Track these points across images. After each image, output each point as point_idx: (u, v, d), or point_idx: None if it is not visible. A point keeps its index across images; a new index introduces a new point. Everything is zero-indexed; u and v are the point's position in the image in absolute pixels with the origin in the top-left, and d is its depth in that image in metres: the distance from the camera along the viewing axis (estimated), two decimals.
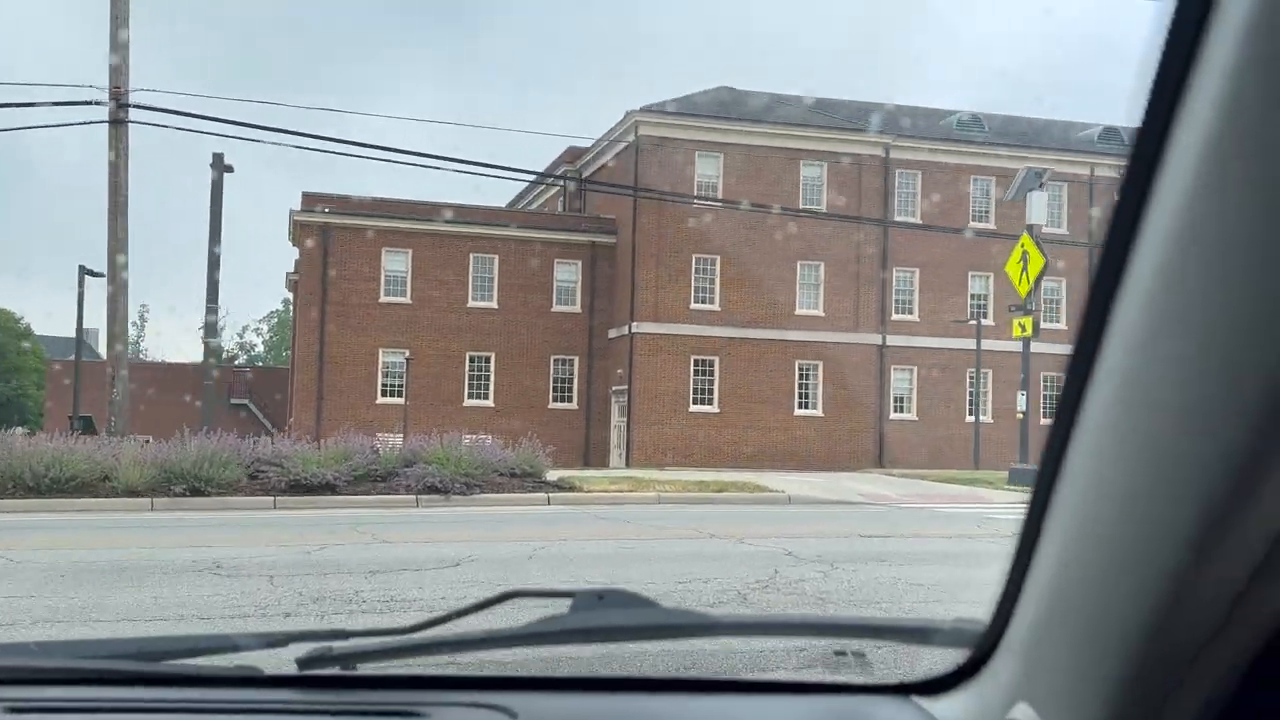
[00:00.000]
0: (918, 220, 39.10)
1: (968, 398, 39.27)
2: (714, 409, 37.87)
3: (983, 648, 1.23)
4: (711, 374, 38.02)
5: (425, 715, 1.42)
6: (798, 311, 38.79)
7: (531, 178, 42.24)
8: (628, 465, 35.34)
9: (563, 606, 1.47)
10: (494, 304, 39.56)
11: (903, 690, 1.43)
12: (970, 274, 39.48)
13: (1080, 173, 39.79)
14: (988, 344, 35.80)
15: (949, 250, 39.13)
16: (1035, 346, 38.24)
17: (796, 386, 38.67)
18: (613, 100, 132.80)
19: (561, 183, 44.04)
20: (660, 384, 37.47)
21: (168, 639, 1.72)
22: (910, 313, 39.69)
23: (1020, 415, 23.83)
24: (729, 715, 1.47)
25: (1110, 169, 38.50)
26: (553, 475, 18.50)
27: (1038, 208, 23.79)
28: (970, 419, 37.97)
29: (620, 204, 38.66)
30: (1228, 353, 0.76)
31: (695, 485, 19.18)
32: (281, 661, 1.55)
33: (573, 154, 43.21)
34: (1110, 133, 40.17)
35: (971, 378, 37.85)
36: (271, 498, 16.14)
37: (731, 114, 38.59)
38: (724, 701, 1.52)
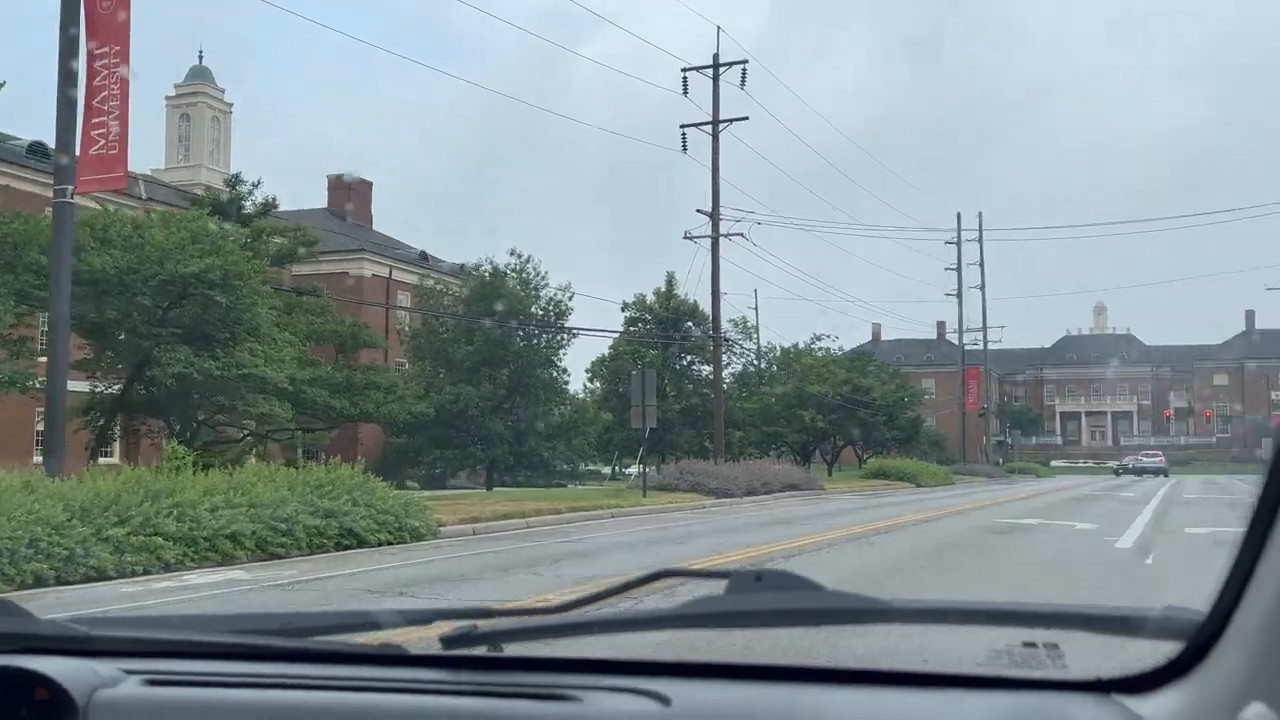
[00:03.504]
0: None
1: None
2: None
3: (1199, 640, 1.12)
4: None
5: (574, 699, 1.36)
6: None
7: None
8: None
9: (718, 588, 1.39)
10: None
11: (1102, 687, 1.29)
12: None
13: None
14: None
15: None
16: None
17: None
18: None
19: None
20: None
21: (311, 614, 1.65)
22: None
23: None
24: (905, 711, 1.34)
25: (37, 185, 35.58)
26: None
27: None
28: None
29: None
30: None
31: None
32: (426, 640, 1.52)
33: None
34: (37, 147, 37.42)
35: None
36: None
37: None
38: (899, 696, 1.38)
